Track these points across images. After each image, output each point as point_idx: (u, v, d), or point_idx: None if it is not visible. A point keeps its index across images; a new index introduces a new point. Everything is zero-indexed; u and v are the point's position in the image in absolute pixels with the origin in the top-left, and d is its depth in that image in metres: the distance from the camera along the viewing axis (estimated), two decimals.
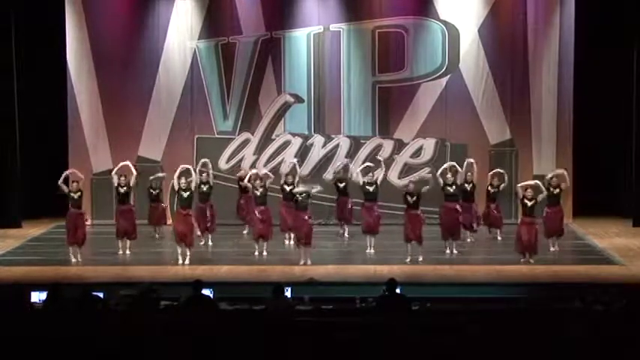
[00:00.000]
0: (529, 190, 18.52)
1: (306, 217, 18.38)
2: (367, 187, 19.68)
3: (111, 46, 23.28)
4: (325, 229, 21.51)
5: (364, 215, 19.74)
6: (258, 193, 19.20)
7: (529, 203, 18.41)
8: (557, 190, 19.41)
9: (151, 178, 20.88)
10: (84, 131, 23.39)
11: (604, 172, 23.63)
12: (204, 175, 20.34)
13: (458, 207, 19.46)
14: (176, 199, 18.97)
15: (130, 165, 20.13)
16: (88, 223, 21.36)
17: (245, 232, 21.08)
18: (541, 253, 18.71)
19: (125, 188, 19.48)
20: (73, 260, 18.72)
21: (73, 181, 19.30)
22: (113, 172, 19.94)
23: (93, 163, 23.45)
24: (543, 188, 18.82)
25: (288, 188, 19.73)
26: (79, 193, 19.04)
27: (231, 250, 20.12)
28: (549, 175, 19.69)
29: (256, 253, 19.16)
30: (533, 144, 23.27)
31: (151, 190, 21.02)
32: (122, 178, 19.66)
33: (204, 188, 20.12)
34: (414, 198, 18.65)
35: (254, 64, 23.33)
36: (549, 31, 23.09)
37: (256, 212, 19.15)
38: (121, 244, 19.51)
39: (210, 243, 20.39)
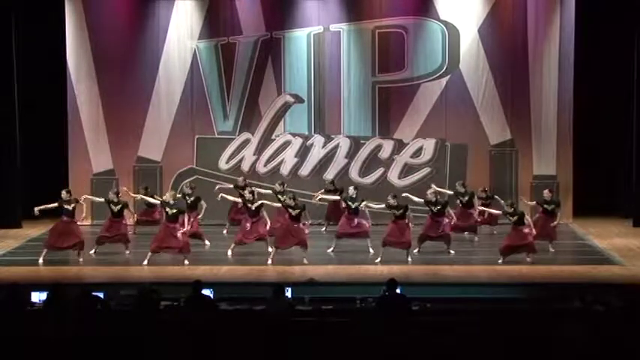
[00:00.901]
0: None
1: (301, 226, 18.47)
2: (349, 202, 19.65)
3: (111, 47, 23.27)
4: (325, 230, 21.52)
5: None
6: (253, 208, 19.01)
7: (512, 219, 18.50)
8: (552, 207, 19.53)
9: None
10: (84, 131, 23.38)
11: (604, 172, 23.64)
12: (187, 188, 20.61)
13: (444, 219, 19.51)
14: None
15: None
16: (88, 223, 21.36)
17: (225, 232, 21.12)
18: (541, 253, 18.76)
19: (120, 206, 19.48)
20: (41, 261, 18.59)
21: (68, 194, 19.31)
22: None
23: (93, 163, 23.44)
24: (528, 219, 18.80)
25: (281, 198, 19.82)
26: (73, 205, 19.02)
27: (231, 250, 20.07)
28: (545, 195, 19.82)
29: (229, 250, 19.08)
30: (534, 144, 23.26)
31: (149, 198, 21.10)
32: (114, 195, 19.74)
33: (189, 200, 20.15)
34: (400, 211, 18.67)
35: (254, 64, 23.32)
36: (549, 31, 23.08)
37: (248, 224, 19.05)
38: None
39: (207, 243, 20.32)
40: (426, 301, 13.99)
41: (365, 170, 23.34)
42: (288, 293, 13.78)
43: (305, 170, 23.40)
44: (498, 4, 23.13)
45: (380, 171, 23.39)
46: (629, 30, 22.76)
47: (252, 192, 19.36)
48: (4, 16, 22.42)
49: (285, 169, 23.45)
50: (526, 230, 18.31)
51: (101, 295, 13.35)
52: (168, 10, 23.29)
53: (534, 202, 20.27)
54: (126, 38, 23.34)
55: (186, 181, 21.68)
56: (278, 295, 12.94)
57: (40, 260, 18.59)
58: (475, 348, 10.17)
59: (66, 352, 10.28)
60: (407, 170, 23.35)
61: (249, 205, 19.03)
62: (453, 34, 23.22)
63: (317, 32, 23.35)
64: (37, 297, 13.94)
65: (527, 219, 18.55)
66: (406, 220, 18.63)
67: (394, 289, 12.74)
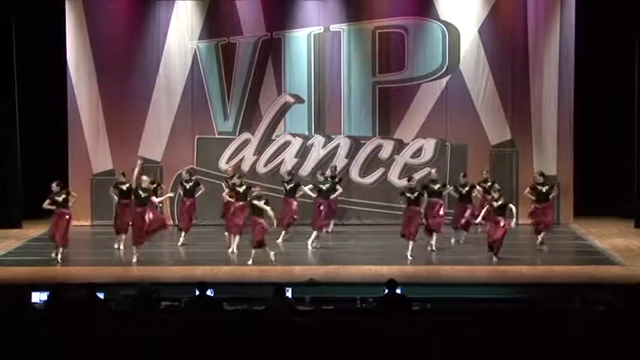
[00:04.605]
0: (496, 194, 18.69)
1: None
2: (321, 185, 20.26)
3: (111, 47, 23.26)
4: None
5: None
6: (241, 190, 19.46)
7: (496, 204, 18.46)
8: (546, 188, 19.52)
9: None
10: (84, 131, 23.39)
11: (604, 172, 23.61)
12: (185, 173, 20.86)
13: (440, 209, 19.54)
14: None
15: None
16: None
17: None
18: (541, 254, 18.76)
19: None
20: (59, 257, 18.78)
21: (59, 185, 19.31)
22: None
23: (93, 163, 23.44)
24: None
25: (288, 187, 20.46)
26: (63, 196, 19.03)
27: (231, 250, 20.08)
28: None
29: (230, 250, 19.35)
30: (534, 144, 23.26)
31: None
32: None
33: (187, 186, 20.50)
34: (415, 194, 18.75)
35: (254, 64, 23.32)
36: (549, 31, 23.08)
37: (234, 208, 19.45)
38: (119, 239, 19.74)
39: (181, 239, 20.41)
40: (426, 301, 14.00)
41: (365, 170, 23.34)
42: (289, 293, 13.77)
43: (305, 170, 23.38)
44: (498, 4, 23.13)
45: (380, 171, 23.39)
46: (629, 30, 22.75)
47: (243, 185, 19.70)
48: (4, 16, 22.43)
49: (285, 170, 23.43)
50: (501, 224, 18.22)
51: (102, 295, 13.35)
52: (169, 11, 23.29)
53: (527, 190, 20.04)
54: (126, 38, 23.34)
55: (185, 168, 21.58)
56: (278, 295, 12.94)
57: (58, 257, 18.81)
58: (475, 348, 10.17)
59: (66, 352, 10.28)
60: (407, 170, 23.32)
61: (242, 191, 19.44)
62: (453, 34, 23.22)
63: (317, 32, 23.35)
64: (38, 297, 13.93)
65: (512, 208, 18.50)
66: (418, 208, 18.76)
67: (394, 289, 12.75)
